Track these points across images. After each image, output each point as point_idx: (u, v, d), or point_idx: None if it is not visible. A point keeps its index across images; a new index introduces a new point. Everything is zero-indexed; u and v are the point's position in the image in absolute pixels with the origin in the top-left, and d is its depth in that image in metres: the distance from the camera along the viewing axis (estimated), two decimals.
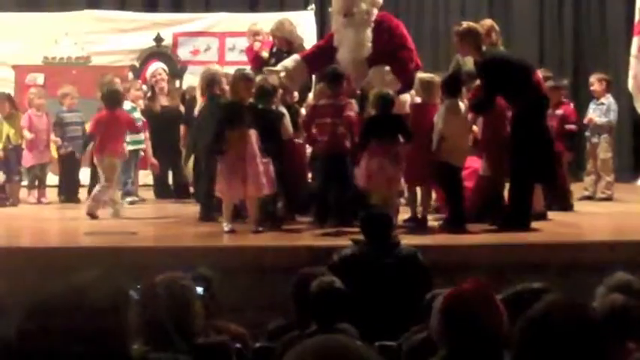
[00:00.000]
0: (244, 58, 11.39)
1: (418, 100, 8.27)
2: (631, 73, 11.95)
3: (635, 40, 12.06)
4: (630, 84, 12.10)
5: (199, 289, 4.12)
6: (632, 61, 11.99)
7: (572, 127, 9.91)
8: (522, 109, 7.65)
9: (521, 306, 3.22)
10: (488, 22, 8.88)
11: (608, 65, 13.10)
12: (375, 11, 8.55)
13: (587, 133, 10.57)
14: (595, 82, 10.64)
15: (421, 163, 7.73)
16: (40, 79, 12.49)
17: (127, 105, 10.20)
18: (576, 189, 10.29)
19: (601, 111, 10.49)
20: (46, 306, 2.02)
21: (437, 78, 8.18)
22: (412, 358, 4.07)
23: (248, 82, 7.88)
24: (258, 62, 9.83)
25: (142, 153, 10.71)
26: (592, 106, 10.64)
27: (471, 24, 8.09)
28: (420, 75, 8.26)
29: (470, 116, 7.95)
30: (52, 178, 10.93)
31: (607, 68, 13.00)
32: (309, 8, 12.78)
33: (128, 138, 9.90)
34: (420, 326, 4.35)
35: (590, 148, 10.55)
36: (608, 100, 10.60)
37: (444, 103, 7.86)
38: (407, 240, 6.17)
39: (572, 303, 2.62)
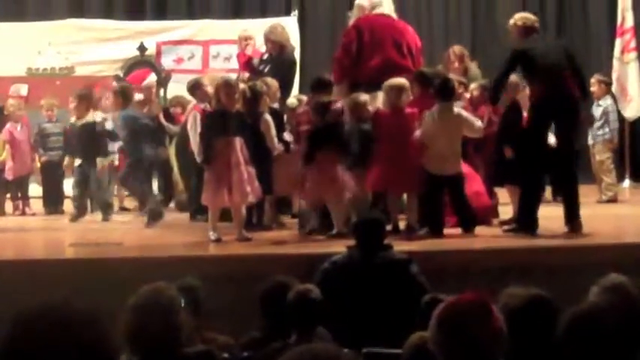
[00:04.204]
0: (228, 65, 11.38)
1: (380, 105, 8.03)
2: (614, 76, 11.99)
3: (617, 42, 12.11)
4: (614, 86, 12.13)
5: (184, 300, 4.09)
6: (615, 63, 12.04)
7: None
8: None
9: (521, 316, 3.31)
10: (457, 48, 9.04)
11: (590, 67, 13.13)
12: (353, 14, 8.68)
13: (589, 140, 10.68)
14: (595, 83, 10.71)
15: (395, 170, 7.62)
16: (23, 90, 12.42)
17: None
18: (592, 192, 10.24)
19: (598, 113, 10.61)
20: (31, 319, 2.00)
21: (405, 82, 7.92)
22: None
23: (230, 88, 7.79)
24: (249, 67, 9.78)
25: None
26: (593, 107, 10.72)
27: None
28: (390, 81, 7.90)
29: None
30: (38, 190, 10.90)
31: (590, 70, 13.05)
32: (292, 14, 12.82)
33: None
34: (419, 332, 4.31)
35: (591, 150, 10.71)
36: (606, 102, 10.71)
37: (432, 109, 7.67)
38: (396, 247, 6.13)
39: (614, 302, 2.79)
